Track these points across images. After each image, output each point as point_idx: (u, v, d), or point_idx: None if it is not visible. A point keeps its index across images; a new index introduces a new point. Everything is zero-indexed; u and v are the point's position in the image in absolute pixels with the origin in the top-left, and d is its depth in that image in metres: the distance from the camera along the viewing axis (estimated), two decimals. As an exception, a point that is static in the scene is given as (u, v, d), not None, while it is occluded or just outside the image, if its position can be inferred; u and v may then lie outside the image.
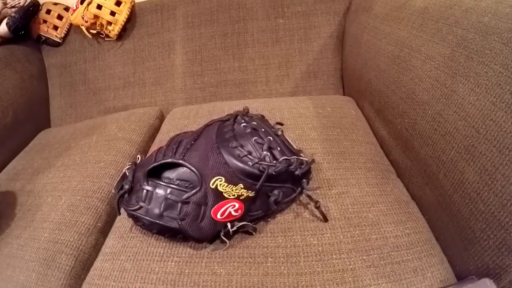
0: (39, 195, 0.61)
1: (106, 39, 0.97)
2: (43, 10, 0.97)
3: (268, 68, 0.90)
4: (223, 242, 0.42)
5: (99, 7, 0.89)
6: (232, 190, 0.40)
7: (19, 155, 0.81)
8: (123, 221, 0.50)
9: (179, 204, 0.39)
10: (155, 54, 0.96)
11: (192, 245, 0.43)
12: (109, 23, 0.91)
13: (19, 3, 0.91)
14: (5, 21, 0.88)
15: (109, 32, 0.93)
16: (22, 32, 0.95)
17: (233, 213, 0.40)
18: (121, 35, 0.96)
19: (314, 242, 0.42)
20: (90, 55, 0.99)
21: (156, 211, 0.39)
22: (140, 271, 0.42)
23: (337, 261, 0.40)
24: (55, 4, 1.00)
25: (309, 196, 0.44)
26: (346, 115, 0.66)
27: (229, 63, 0.91)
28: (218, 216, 0.40)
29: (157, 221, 0.39)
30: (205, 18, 0.93)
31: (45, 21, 0.97)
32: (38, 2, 0.96)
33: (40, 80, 0.99)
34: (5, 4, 0.89)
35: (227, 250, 0.42)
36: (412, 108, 0.48)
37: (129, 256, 0.44)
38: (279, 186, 0.43)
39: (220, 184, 0.39)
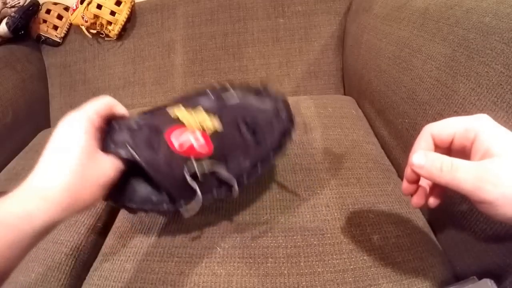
0: (39, 195, 0.60)
1: (106, 39, 0.97)
2: (43, 9, 0.97)
3: (269, 67, 0.90)
4: (192, 195, 0.32)
5: (99, 6, 0.89)
6: (193, 116, 0.33)
7: (19, 155, 0.81)
8: (123, 221, 0.50)
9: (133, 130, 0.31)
10: (155, 54, 0.96)
11: (192, 245, 0.43)
12: (109, 22, 0.91)
13: (19, 3, 0.91)
14: (4, 21, 0.88)
15: (109, 32, 0.93)
16: (22, 32, 0.95)
17: (196, 146, 0.32)
18: (121, 35, 0.96)
19: (315, 242, 0.42)
20: (90, 55, 0.99)
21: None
22: (140, 271, 0.42)
23: (337, 261, 0.40)
24: (55, 4, 0.99)
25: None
26: (346, 115, 0.66)
27: (229, 63, 0.91)
28: (176, 145, 0.31)
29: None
30: (205, 18, 0.92)
31: (45, 21, 0.97)
32: (38, 2, 0.96)
33: (40, 80, 0.99)
34: (4, 4, 0.89)
35: (227, 251, 0.42)
36: (412, 108, 0.48)
37: (129, 256, 0.44)
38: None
39: (178, 110, 0.33)
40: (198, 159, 0.32)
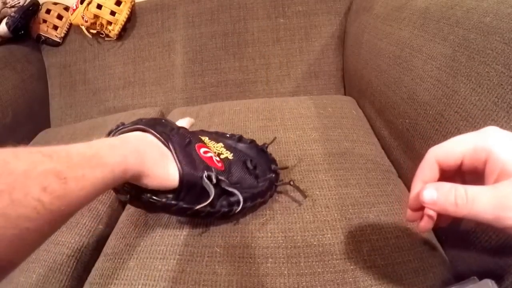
0: (39, 195, 0.60)
1: (106, 39, 0.97)
2: (43, 9, 0.97)
3: (269, 67, 0.90)
4: (205, 197, 0.37)
5: (99, 6, 0.89)
6: (214, 147, 0.43)
7: (19, 155, 0.81)
8: (125, 222, 0.50)
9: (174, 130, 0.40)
10: (155, 54, 0.96)
11: (193, 244, 0.43)
12: (109, 22, 0.91)
13: (19, 2, 0.91)
14: (4, 20, 0.88)
15: (109, 32, 0.93)
16: (22, 32, 0.95)
17: (215, 160, 0.40)
18: (121, 35, 0.96)
19: (315, 243, 0.42)
20: (90, 55, 0.99)
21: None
22: (144, 269, 0.42)
23: (337, 261, 0.40)
24: (55, 3, 0.99)
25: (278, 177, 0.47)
26: (347, 115, 0.66)
27: (229, 63, 0.91)
28: (201, 152, 0.39)
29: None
30: (205, 18, 0.92)
31: (45, 21, 0.97)
32: (37, 1, 0.96)
33: (40, 80, 0.99)
34: (4, 3, 0.89)
35: (227, 250, 0.42)
36: (413, 108, 0.48)
37: (132, 254, 0.44)
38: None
39: (204, 139, 0.43)
40: (218, 172, 0.38)
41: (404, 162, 0.52)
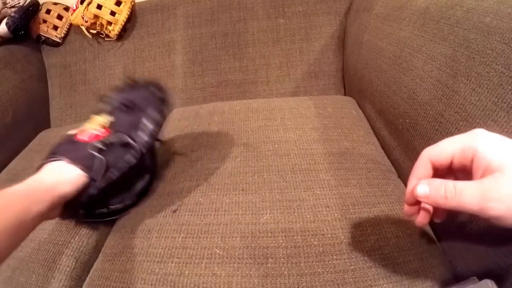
0: (39, 195, 0.60)
1: (106, 39, 0.97)
2: (43, 10, 0.97)
3: (269, 68, 0.90)
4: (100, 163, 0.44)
5: (99, 7, 0.89)
6: (95, 121, 0.47)
7: (19, 156, 0.81)
8: (124, 222, 0.50)
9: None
10: (156, 54, 0.96)
11: (192, 246, 0.43)
12: (109, 23, 0.91)
13: (19, 3, 0.91)
14: (4, 21, 0.88)
15: (109, 32, 0.93)
16: (22, 32, 0.95)
17: (96, 133, 0.46)
18: (121, 35, 0.96)
19: (315, 243, 0.42)
20: (90, 55, 0.99)
21: None
22: (141, 272, 0.42)
23: (338, 261, 0.40)
24: (55, 4, 0.99)
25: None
26: (347, 116, 0.66)
27: (229, 63, 0.91)
28: (82, 137, 0.45)
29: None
30: (205, 18, 0.92)
31: (45, 21, 0.97)
32: (38, 2, 0.96)
33: (40, 80, 0.99)
34: (4, 4, 0.89)
35: (227, 251, 0.42)
36: (413, 108, 0.48)
37: (129, 256, 0.44)
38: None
39: (85, 123, 0.48)
40: (101, 140, 0.45)
41: (404, 162, 0.52)
